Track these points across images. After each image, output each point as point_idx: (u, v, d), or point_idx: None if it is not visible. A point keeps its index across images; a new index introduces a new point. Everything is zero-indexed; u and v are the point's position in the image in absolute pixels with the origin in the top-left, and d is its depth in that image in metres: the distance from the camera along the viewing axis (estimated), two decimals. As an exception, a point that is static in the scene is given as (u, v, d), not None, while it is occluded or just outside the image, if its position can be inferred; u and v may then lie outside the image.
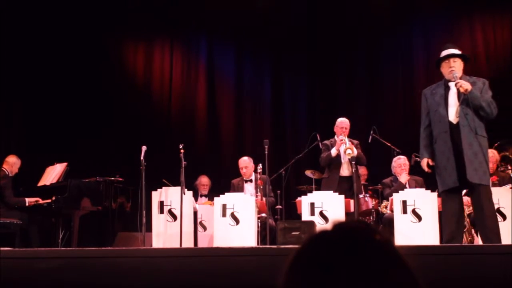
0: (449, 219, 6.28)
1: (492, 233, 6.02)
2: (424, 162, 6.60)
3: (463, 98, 6.15)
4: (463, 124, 6.13)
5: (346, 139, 8.83)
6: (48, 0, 11.47)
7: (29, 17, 11.33)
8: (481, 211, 6.14)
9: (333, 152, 8.92)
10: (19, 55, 11.24)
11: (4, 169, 9.43)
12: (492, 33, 11.52)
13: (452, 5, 11.72)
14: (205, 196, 10.22)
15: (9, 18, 11.08)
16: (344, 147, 8.76)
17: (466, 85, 6.14)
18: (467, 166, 6.06)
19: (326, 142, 9.18)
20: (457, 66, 6.38)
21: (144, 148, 8.36)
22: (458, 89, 6.20)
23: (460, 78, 6.31)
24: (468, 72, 11.20)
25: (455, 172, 6.14)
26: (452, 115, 6.25)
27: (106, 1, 12.07)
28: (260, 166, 8.86)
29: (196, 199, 9.86)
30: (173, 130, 12.01)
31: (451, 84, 6.30)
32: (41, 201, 9.19)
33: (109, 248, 7.59)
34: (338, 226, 1.20)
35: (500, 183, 8.42)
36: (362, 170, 9.83)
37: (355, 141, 9.09)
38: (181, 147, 8.36)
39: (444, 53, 6.50)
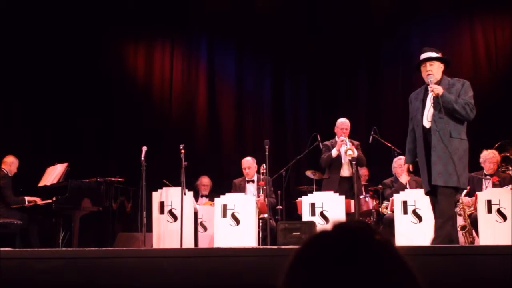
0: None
1: (444, 234, 5.95)
2: (405, 168, 6.68)
3: (436, 102, 6.12)
4: (435, 129, 6.11)
5: (347, 140, 8.84)
6: (48, 2, 11.46)
7: (30, 17, 11.33)
8: (438, 207, 6.13)
9: (334, 152, 8.93)
10: (19, 55, 11.24)
11: (3, 169, 9.44)
12: (493, 34, 11.52)
13: (453, 5, 11.72)
14: (206, 196, 10.23)
15: (9, 18, 11.08)
16: (344, 148, 8.76)
17: (437, 89, 6.10)
18: (432, 170, 6.07)
19: (327, 142, 9.18)
20: (435, 69, 6.32)
21: (144, 148, 8.37)
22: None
23: (440, 80, 6.29)
24: (468, 72, 11.32)
25: (427, 177, 6.16)
26: (426, 120, 6.24)
27: (107, 0, 12.06)
28: (264, 167, 8.86)
29: (196, 200, 9.86)
30: (173, 130, 12.00)
31: (429, 88, 6.26)
32: (39, 202, 9.19)
33: (109, 248, 7.59)
34: (338, 226, 1.20)
35: (501, 184, 8.42)
36: (363, 171, 9.83)
37: (356, 142, 9.10)
38: (181, 147, 8.36)
39: (421, 57, 6.46)
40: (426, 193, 6.31)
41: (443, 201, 6.06)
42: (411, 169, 6.62)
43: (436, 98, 6.09)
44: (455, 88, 6.23)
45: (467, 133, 6.28)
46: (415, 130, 6.44)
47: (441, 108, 6.02)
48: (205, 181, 10.39)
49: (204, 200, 10.15)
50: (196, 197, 9.97)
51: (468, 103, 6.12)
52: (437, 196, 6.15)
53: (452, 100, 6.07)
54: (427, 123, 6.22)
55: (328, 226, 1.21)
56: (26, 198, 9.22)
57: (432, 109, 6.17)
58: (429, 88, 6.18)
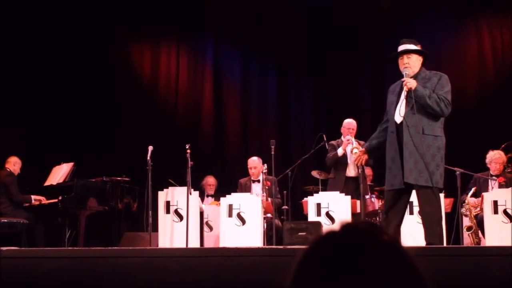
0: (384, 212, 6.17)
1: (432, 237, 5.83)
2: (361, 151, 6.53)
3: (409, 97, 5.93)
4: (406, 124, 5.92)
5: (353, 139, 8.82)
6: (56, 2, 11.48)
7: (36, 18, 11.34)
8: (422, 215, 6.02)
9: (340, 151, 8.91)
10: (26, 55, 11.26)
11: (7, 168, 9.47)
12: (499, 33, 11.49)
13: (458, 5, 11.69)
14: (212, 196, 10.23)
15: (16, 19, 11.10)
16: (351, 147, 8.74)
17: (410, 83, 5.91)
18: (405, 167, 5.91)
19: (333, 142, 9.17)
20: (412, 62, 6.15)
21: (150, 148, 8.37)
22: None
23: (418, 74, 6.11)
24: (474, 73, 11.30)
25: (400, 173, 5.96)
26: (398, 115, 6.04)
27: (113, 3, 12.08)
28: (265, 166, 8.86)
29: (202, 199, 9.87)
30: (179, 130, 12.01)
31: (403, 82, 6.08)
32: (44, 201, 9.22)
33: (115, 248, 7.59)
34: (345, 226, 1.20)
35: (507, 184, 8.40)
36: (368, 171, 9.81)
37: (362, 142, 9.08)
38: (187, 147, 8.37)
39: (399, 49, 6.31)
40: (390, 190, 6.09)
41: (427, 203, 5.93)
42: (363, 151, 6.46)
43: (410, 93, 5.91)
44: (431, 82, 6.03)
45: (445, 130, 6.11)
46: (388, 123, 6.25)
47: (414, 103, 5.86)
48: (210, 181, 10.39)
49: (209, 199, 10.15)
50: (202, 196, 9.97)
51: (443, 99, 5.90)
52: (417, 194, 6.04)
53: (426, 94, 5.87)
54: (398, 118, 6.02)
55: (336, 226, 1.21)
56: (33, 197, 9.26)
57: (404, 104, 5.98)
58: (403, 82, 6.01)
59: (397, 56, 6.30)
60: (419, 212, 6.17)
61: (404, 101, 6.00)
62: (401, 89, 6.10)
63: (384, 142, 6.29)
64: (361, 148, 8.66)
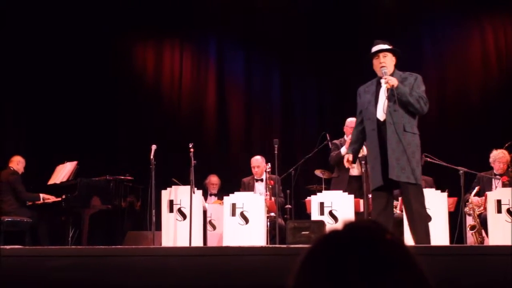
0: (375, 217, 6.21)
1: (421, 234, 5.86)
2: (345, 158, 6.53)
3: (391, 94, 5.99)
4: (390, 122, 5.97)
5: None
6: (59, 2, 11.49)
7: (40, 17, 11.36)
8: (409, 211, 6.02)
9: (343, 150, 8.90)
10: (29, 55, 11.27)
11: (11, 167, 9.49)
12: (503, 33, 11.48)
13: (462, 5, 11.67)
14: (215, 195, 10.22)
15: (20, 18, 11.12)
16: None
17: (392, 81, 5.99)
18: (389, 164, 5.94)
19: (336, 141, 9.16)
20: (388, 61, 6.23)
21: (154, 147, 8.38)
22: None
23: (392, 74, 6.17)
24: (478, 72, 11.29)
25: (380, 171, 6.03)
26: (380, 112, 6.10)
27: (117, 2, 12.09)
28: (268, 165, 8.86)
29: (205, 198, 9.87)
30: (183, 129, 12.02)
31: (382, 81, 6.14)
32: (52, 199, 9.24)
33: (118, 247, 7.60)
34: (349, 225, 1.20)
35: (511, 184, 8.38)
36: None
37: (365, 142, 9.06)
38: (190, 146, 8.37)
39: (374, 49, 6.38)
40: (374, 189, 6.14)
41: (414, 200, 5.97)
42: (350, 159, 6.46)
43: (391, 90, 5.97)
44: (408, 82, 6.10)
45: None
46: (364, 123, 6.30)
47: (396, 100, 5.91)
48: (213, 180, 10.39)
49: (213, 198, 10.15)
50: (205, 195, 9.98)
51: (422, 97, 5.99)
52: (401, 191, 6.10)
53: (407, 92, 5.96)
54: (381, 115, 6.08)
55: (339, 226, 1.21)
56: (42, 195, 9.28)
57: (386, 102, 6.05)
58: (384, 80, 6.07)
59: (372, 57, 6.36)
60: (405, 209, 6.16)
61: (385, 98, 6.08)
62: (378, 87, 6.21)
63: (358, 142, 6.45)
64: (364, 147, 8.69)
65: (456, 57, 11.57)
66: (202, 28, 12.62)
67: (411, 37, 12.01)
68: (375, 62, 6.33)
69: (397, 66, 6.36)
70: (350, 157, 6.49)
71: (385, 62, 6.23)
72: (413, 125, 6.05)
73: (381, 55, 6.29)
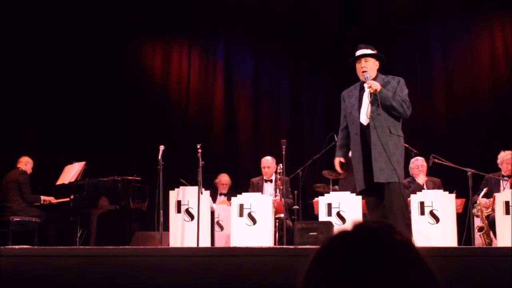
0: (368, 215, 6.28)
1: (401, 228, 5.91)
2: (336, 161, 6.58)
3: (374, 99, 6.05)
4: (373, 125, 6.04)
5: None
6: (69, 3, 11.52)
7: (51, 18, 11.38)
8: (390, 209, 6.04)
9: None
10: (38, 56, 11.30)
11: (19, 167, 9.53)
12: (511, 35, 11.44)
13: (471, 6, 11.64)
14: (225, 195, 10.17)
15: (31, 20, 11.14)
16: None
17: (375, 85, 6.05)
18: (373, 167, 6.00)
19: (344, 142, 9.14)
20: (370, 66, 6.29)
21: (162, 147, 8.38)
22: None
23: (375, 78, 6.24)
24: (486, 73, 11.25)
25: (363, 175, 6.11)
26: (363, 117, 6.16)
27: (125, 3, 12.11)
28: (280, 167, 8.86)
29: (215, 197, 9.87)
30: (191, 130, 12.02)
31: (366, 85, 6.20)
32: (53, 201, 9.27)
33: (126, 247, 7.62)
34: (358, 226, 1.20)
35: (517, 185, 8.37)
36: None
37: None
38: (198, 146, 8.37)
39: (356, 54, 6.41)
40: (359, 192, 6.27)
41: (397, 198, 6.01)
42: (343, 160, 6.53)
43: (374, 95, 6.03)
44: (391, 85, 6.17)
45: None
46: (348, 127, 6.38)
47: (379, 104, 5.97)
48: (224, 180, 10.29)
49: (222, 198, 10.11)
50: (215, 195, 9.97)
51: (405, 100, 6.07)
52: (384, 192, 6.09)
53: (390, 96, 6.02)
54: (365, 119, 6.13)
55: (348, 226, 1.21)
56: (42, 197, 9.31)
57: (370, 106, 6.10)
58: (367, 84, 6.13)
59: (355, 61, 6.41)
60: (388, 207, 6.18)
61: (368, 103, 6.13)
62: (361, 92, 6.28)
63: (347, 146, 6.51)
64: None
65: (465, 58, 11.54)
66: (210, 29, 12.63)
67: (420, 37, 11.99)
68: (357, 66, 6.39)
69: (381, 70, 6.43)
70: (342, 159, 6.55)
71: (367, 67, 6.28)
72: (397, 128, 6.14)
73: (363, 59, 6.35)
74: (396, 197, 6.01)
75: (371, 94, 6.11)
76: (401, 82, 6.24)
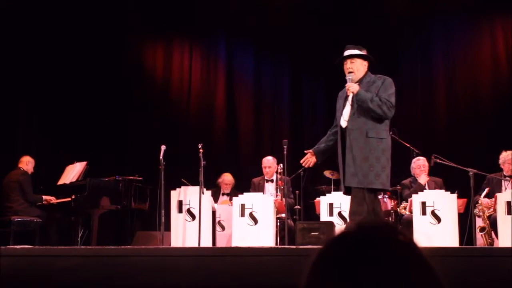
0: (349, 217, 6.22)
1: None
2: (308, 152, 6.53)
3: (353, 101, 6.01)
4: (351, 128, 5.98)
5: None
6: (70, 2, 11.52)
7: (51, 17, 11.38)
8: (353, 208, 6.01)
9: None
10: (39, 55, 11.29)
11: (21, 167, 9.54)
12: (513, 34, 11.44)
13: (472, 5, 11.63)
14: (227, 194, 10.13)
15: (31, 18, 11.14)
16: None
17: (352, 88, 6.00)
18: (345, 171, 5.97)
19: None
20: (356, 66, 6.21)
21: (163, 147, 8.38)
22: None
23: (363, 78, 6.18)
24: (488, 74, 11.24)
25: (342, 178, 6.09)
26: (343, 119, 6.11)
27: (126, 3, 12.12)
28: (281, 167, 8.86)
29: (217, 197, 9.86)
30: (192, 130, 12.02)
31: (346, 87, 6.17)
32: (54, 201, 9.27)
33: (127, 247, 7.62)
34: (360, 226, 1.19)
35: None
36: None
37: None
38: (200, 146, 8.37)
39: (344, 54, 6.35)
40: (345, 193, 6.20)
41: (353, 203, 5.96)
42: (310, 151, 6.50)
43: (353, 97, 5.99)
44: (374, 86, 6.09)
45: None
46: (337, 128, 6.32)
47: (357, 107, 5.93)
48: (227, 180, 10.21)
49: (224, 198, 10.08)
50: (217, 194, 9.95)
51: (385, 102, 5.95)
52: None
53: (367, 98, 5.92)
54: (343, 122, 6.09)
55: (350, 226, 1.20)
56: (44, 197, 9.32)
57: (349, 108, 6.05)
58: (346, 87, 6.10)
59: (343, 62, 6.34)
60: (359, 213, 6.17)
61: (349, 105, 6.08)
62: (348, 94, 6.19)
63: (332, 146, 6.42)
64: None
65: (466, 57, 11.53)
66: (211, 29, 12.63)
67: (422, 37, 11.98)
68: (344, 67, 6.32)
69: (371, 69, 6.35)
70: (310, 151, 6.51)
71: (352, 68, 6.22)
72: (379, 130, 6.01)
73: (348, 60, 6.28)
74: (352, 202, 5.97)
75: (349, 96, 6.07)
76: (386, 82, 6.15)
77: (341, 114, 6.16)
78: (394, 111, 6.07)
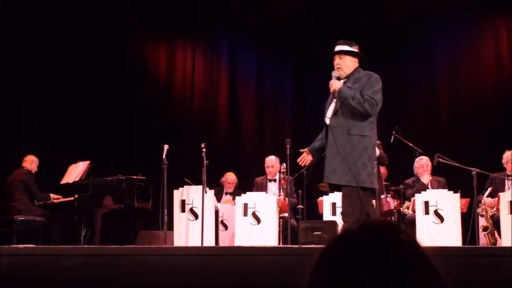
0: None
1: None
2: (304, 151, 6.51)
3: (335, 98, 6.01)
4: (333, 125, 5.97)
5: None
6: (72, 2, 11.53)
7: (53, 17, 11.39)
8: (345, 214, 5.99)
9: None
10: (41, 55, 11.30)
11: (24, 166, 9.55)
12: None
13: (475, 5, 11.62)
14: (231, 194, 10.12)
15: (33, 18, 11.16)
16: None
17: (335, 85, 5.99)
18: (325, 168, 5.97)
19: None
20: (344, 63, 6.19)
21: (166, 147, 8.39)
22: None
23: (351, 75, 6.14)
24: (491, 73, 11.23)
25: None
26: (327, 116, 6.10)
27: (129, 2, 12.13)
28: (284, 166, 8.86)
29: (220, 196, 9.86)
30: (195, 129, 12.03)
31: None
32: (61, 199, 9.29)
33: (130, 246, 7.63)
34: (364, 226, 1.19)
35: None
36: (382, 170, 9.78)
37: (377, 141, 9.02)
38: (202, 146, 8.37)
39: (335, 49, 6.32)
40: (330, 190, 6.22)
41: (344, 201, 5.96)
42: (305, 150, 6.45)
43: (336, 94, 5.99)
44: (360, 83, 6.04)
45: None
46: None
47: (340, 104, 5.93)
48: (230, 179, 10.19)
49: (227, 197, 10.07)
50: (220, 193, 9.95)
51: (368, 99, 5.88)
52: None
53: (349, 96, 5.89)
54: (327, 119, 6.09)
55: (353, 225, 1.20)
56: (51, 195, 9.33)
57: (333, 106, 6.05)
58: (329, 83, 6.08)
59: (333, 58, 6.31)
60: (341, 212, 6.15)
61: (333, 102, 6.07)
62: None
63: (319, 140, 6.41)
64: (376, 148, 8.65)
65: (469, 57, 11.52)
66: (214, 28, 12.64)
67: (424, 36, 11.97)
68: (334, 63, 6.29)
69: (362, 65, 6.33)
70: (306, 150, 6.47)
71: (340, 64, 6.19)
72: (362, 127, 5.96)
73: (337, 56, 6.26)
74: (351, 202, 5.92)
75: (332, 93, 6.08)
76: (372, 78, 6.08)
77: (327, 111, 6.15)
78: (378, 109, 6.00)
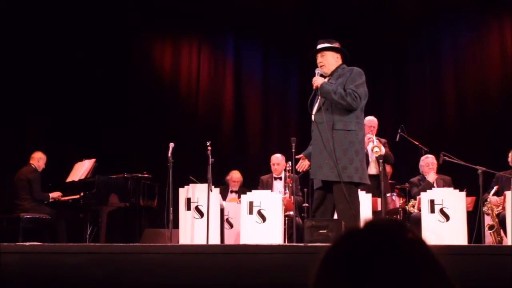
0: (313, 212, 6.31)
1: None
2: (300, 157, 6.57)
3: (319, 94, 6.07)
4: (318, 121, 6.02)
5: (374, 138, 8.77)
6: (78, 1, 11.56)
7: (59, 16, 11.41)
8: (337, 209, 6.05)
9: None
10: (48, 54, 11.32)
11: (32, 164, 9.55)
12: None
13: (481, 3, 11.59)
14: (236, 192, 10.12)
15: (39, 17, 11.18)
16: (371, 145, 8.69)
17: (317, 82, 6.08)
18: (311, 163, 6.03)
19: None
20: (327, 60, 6.27)
21: (171, 145, 8.39)
22: None
23: (335, 71, 6.21)
24: (496, 71, 11.20)
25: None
26: (312, 113, 6.17)
27: (134, 1, 12.13)
28: (289, 164, 8.85)
29: (226, 194, 9.85)
30: (200, 127, 12.05)
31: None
32: (60, 197, 9.30)
33: (136, 244, 7.63)
34: (370, 224, 1.19)
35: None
36: (387, 168, 9.76)
37: (383, 140, 9.02)
38: (208, 144, 8.37)
39: (317, 47, 6.38)
40: (316, 188, 6.18)
41: (338, 200, 5.96)
42: (302, 156, 6.53)
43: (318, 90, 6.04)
44: (343, 78, 6.09)
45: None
46: None
47: (324, 100, 5.98)
48: (235, 177, 10.19)
49: (233, 195, 10.07)
50: (226, 191, 9.95)
51: (350, 92, 5.91)
52: (327, 192, 6.07)
53: (331, 90, 5.92)
54: (312, 116, 6.16)
55: (359, 224, 1.20)
56: (50, 195, 9.34)
57: (318, 102, 6.11)
58: (312, 80, 6.16)
59: (315, 57, 6.38)
60: (336, 210, 6.16)
61: (318, 99, 6.12)
62: None
63: None
64: (382, 146, 8.65)
65: (475, 55, 11.50)
66: (219, 26, 12.64)
67: (430, 35, 11.95)
68: (317, 62, 6.35)
69: (346, 62, 6.39)
70: (302, 157, 6.55)
71: (323, 62, 6.28)
72: (347, 122, 5.99)
73: (319, 54, 6.35)
74: (337, 199, 5.94)
75: (315, 90, 6.14)
76: (354, 72, 6.13)
77: (314, 108, 6.20)
78: (362, 102, 6.05)
